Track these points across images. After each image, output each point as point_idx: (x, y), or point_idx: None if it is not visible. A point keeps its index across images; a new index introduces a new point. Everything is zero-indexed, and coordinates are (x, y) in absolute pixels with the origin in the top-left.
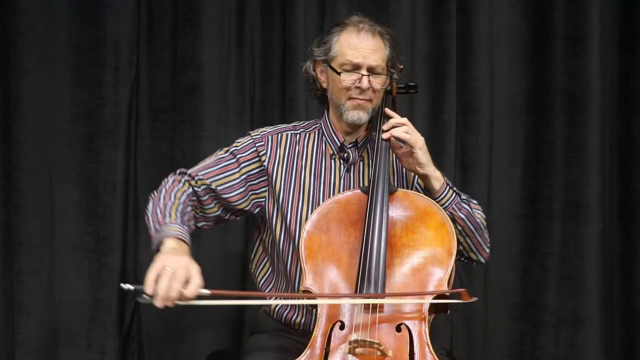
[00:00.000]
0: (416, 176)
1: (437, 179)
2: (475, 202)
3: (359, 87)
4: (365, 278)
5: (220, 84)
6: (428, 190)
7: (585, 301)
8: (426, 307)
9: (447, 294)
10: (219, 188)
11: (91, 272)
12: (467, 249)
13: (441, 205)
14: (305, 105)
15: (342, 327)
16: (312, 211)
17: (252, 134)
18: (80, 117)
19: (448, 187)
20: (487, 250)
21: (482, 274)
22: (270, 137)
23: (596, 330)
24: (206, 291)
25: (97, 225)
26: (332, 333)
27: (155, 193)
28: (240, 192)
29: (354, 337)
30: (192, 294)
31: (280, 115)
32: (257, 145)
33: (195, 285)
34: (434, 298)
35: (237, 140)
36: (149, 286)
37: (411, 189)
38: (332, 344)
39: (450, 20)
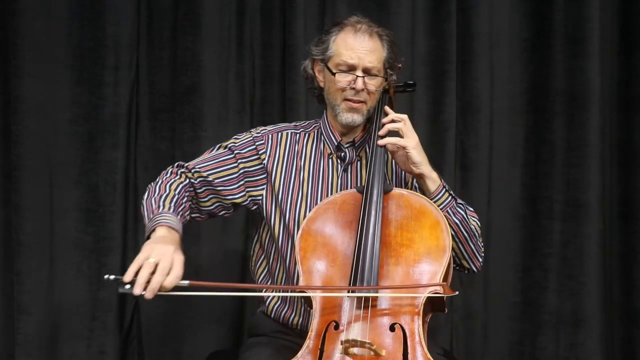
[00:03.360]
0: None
1: (433, 180)
2: (472, 209)
3: (353, 88)
4: (358, 277)
5: (220, 84)
6: (423, 191)
7: (585, 301)
8: (420, 306)
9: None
10: (215, 181)
11: (91, 272)
12: (459, 256)
13: None
14: (305, 105)
15: (336, 327)
16: (309, 211)
17: (252, 132)
18: (80, 117)
19: (444, 190)
20: (480, 260)
21: (482, 274)
22: (270, 136)
23: (596, 330)
24: (184, 282)
25: (97, 225)
26: (327, 333)
27: (152, 184)
28: (236, 187)
29: (345, 337)
30: (170, 285)
31: (280, 115)
32: (257, 143)
33: (175, 276)
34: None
35: (236, 136)
36: (128, 275)
37: (411, 189)
38: (326, 344)
39: (450, 20)
